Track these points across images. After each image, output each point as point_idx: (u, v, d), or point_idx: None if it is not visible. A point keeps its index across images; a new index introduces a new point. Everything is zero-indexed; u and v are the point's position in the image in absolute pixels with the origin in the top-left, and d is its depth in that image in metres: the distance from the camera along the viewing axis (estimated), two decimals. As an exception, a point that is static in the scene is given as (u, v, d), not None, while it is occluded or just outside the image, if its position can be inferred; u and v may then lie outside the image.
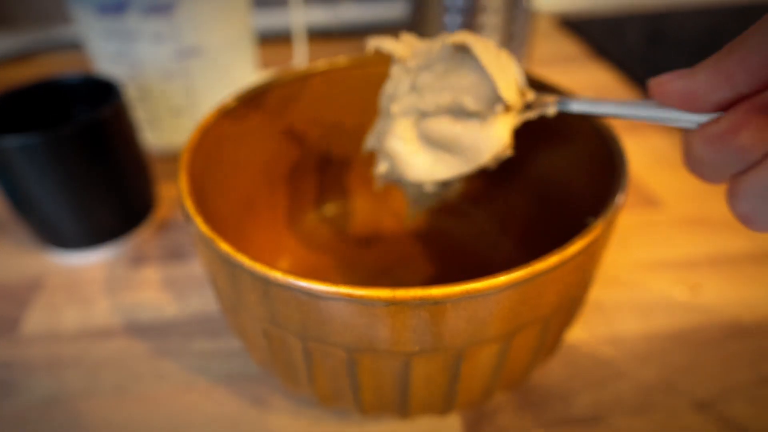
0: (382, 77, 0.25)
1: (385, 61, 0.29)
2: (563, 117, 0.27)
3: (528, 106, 0.22)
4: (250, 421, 0.26)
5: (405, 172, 0.23)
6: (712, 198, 0.38)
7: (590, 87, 0.54)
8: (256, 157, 0.29)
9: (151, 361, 0.29)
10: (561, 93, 0.26)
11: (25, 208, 0.33)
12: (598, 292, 0.32)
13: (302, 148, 0.31)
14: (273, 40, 0.63)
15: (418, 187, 0.27)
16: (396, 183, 0.26)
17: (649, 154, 0.43)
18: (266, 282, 0.18)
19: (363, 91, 0.31)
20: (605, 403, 0.26)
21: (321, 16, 0.67)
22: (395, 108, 0.23)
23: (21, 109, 0.35)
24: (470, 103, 0.21)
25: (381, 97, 0.24)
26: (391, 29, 0.68)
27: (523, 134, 0.31)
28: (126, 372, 0.29)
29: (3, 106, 0.34)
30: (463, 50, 0.22)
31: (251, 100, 0.28)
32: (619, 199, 0.20)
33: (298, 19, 0.46)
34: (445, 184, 0.26)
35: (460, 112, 0.21)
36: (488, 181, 0.33)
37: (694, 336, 0.29)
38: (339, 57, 0.31)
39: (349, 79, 0.31)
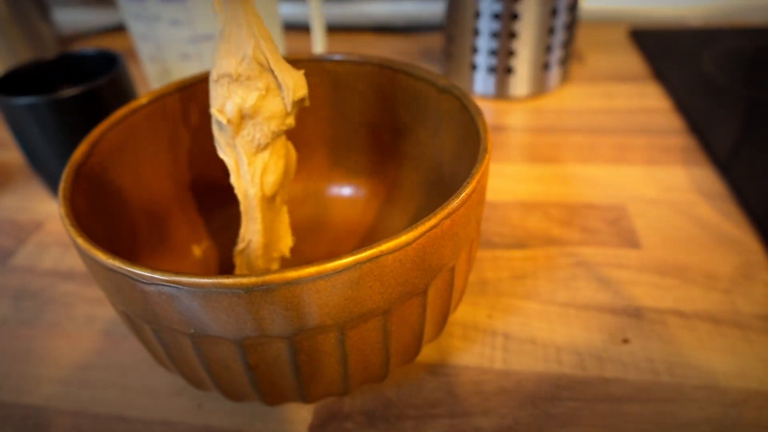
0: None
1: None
2: (471, 134, 0.26)
3: None
4: (137, 374, 0.29)
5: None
6: (698, 247, 0.34)
7: (624, 113, 0.49)
8: (194, 144, 0.32)
9: (90, 306, 0.33)
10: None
11: (35, 160, 0.39)
12: (509, 324, 0.30)
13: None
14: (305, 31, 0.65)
15: None
16: None
17: (657, 186, 0.39)
18: (82, 252, 0.20)
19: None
20: (457, 434, 0.25)
21: (352, 11, 0.68)
22: None
23: (48, 76, 0.41)
24: None
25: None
26: (428, 30, 0.67)
27: (464, 152, 0.30)
28: (67, 311, 0.33)
29: (33, 74, 0.40)
30: None
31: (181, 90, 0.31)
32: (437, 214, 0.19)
33: (317, 9, 0.47)
34: None
35: None
36: (428, 194, 0.32)
37: (592, 389, 0.27)
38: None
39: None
